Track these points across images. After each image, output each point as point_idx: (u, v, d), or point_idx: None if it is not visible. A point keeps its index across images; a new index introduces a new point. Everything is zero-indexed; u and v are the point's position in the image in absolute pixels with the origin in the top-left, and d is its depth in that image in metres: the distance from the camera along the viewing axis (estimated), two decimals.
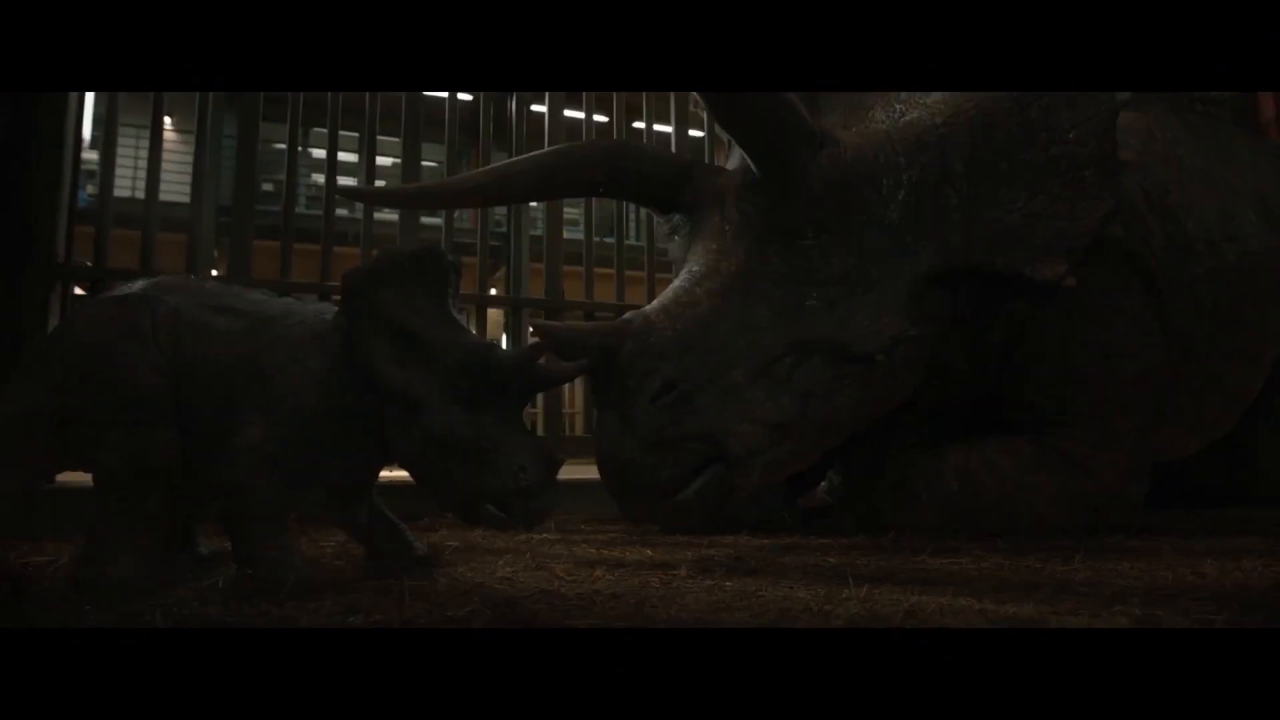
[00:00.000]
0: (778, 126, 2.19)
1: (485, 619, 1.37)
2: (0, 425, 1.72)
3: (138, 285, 1.85)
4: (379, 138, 3.63)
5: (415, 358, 1.68)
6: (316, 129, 10.15)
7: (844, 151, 2.27)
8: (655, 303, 2.23)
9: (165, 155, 3.26)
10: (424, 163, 3.70)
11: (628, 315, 2.19)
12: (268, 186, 11.19)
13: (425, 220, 3.76)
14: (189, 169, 3.30)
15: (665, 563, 2.05)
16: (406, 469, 1.75)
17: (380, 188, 3.64)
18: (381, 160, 4.54)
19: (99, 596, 1.53)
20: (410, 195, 2.85)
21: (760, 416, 2.08)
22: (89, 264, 3.08)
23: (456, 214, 3.76)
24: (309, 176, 13.52)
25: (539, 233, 4.01)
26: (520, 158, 2.43)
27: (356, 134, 3.65)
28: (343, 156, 3.66)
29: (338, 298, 1.86)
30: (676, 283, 2.27)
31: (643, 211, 3.76)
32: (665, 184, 2.42)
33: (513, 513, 1.64)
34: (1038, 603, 1.54)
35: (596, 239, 4.12)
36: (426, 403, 1.64)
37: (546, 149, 2.51)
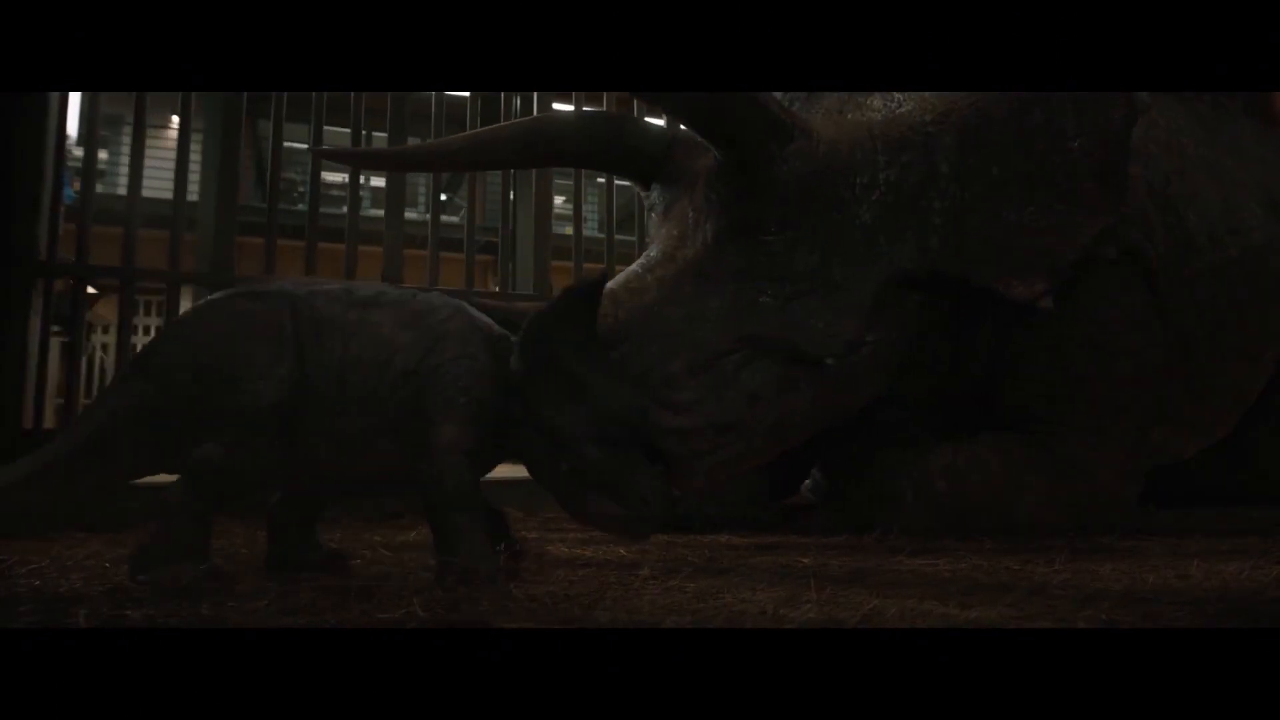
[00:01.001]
0: (737, 120, 2.07)
1: (419, 620, 1.32)
2: (108, 419, 1.70)
3: (273, 285, 1.81)
4: (365, 133, 3.60)
5: (572, 398, 1.75)
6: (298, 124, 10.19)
7: (816, 146, 2.17)
8: (609, 289, 2.13)
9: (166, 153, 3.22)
10: None
11: None
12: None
13: (410, 216, 3.72)
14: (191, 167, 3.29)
15: (634, 563, 2.00)
16: (537, 480, 1.85)
17: (362, 149, 3.57)
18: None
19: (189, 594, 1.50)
20: (391, 157, 2.78)
21: (702, 414, 1.99)
22: (72, 260, 3.06)
23: (447, 211, 3.71)
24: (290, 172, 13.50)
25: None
26: (503, 124, 2.36)
27: (348, 130, 3.62)
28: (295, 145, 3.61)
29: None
30: (632, 267, 2.19)
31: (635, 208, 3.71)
32: (648, 157, 2.32)
33: (636, 535, 1.81)
34: (1006, 606, 1.48)
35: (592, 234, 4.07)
36: (574, 442, 1.73)
37: (530, 117, 2.43)
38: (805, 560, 2.02)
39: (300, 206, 9.86)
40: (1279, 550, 2.07)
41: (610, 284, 2.13)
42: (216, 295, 1.79)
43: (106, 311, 9.69)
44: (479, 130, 2.38)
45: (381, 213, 3.76)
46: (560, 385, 1.75)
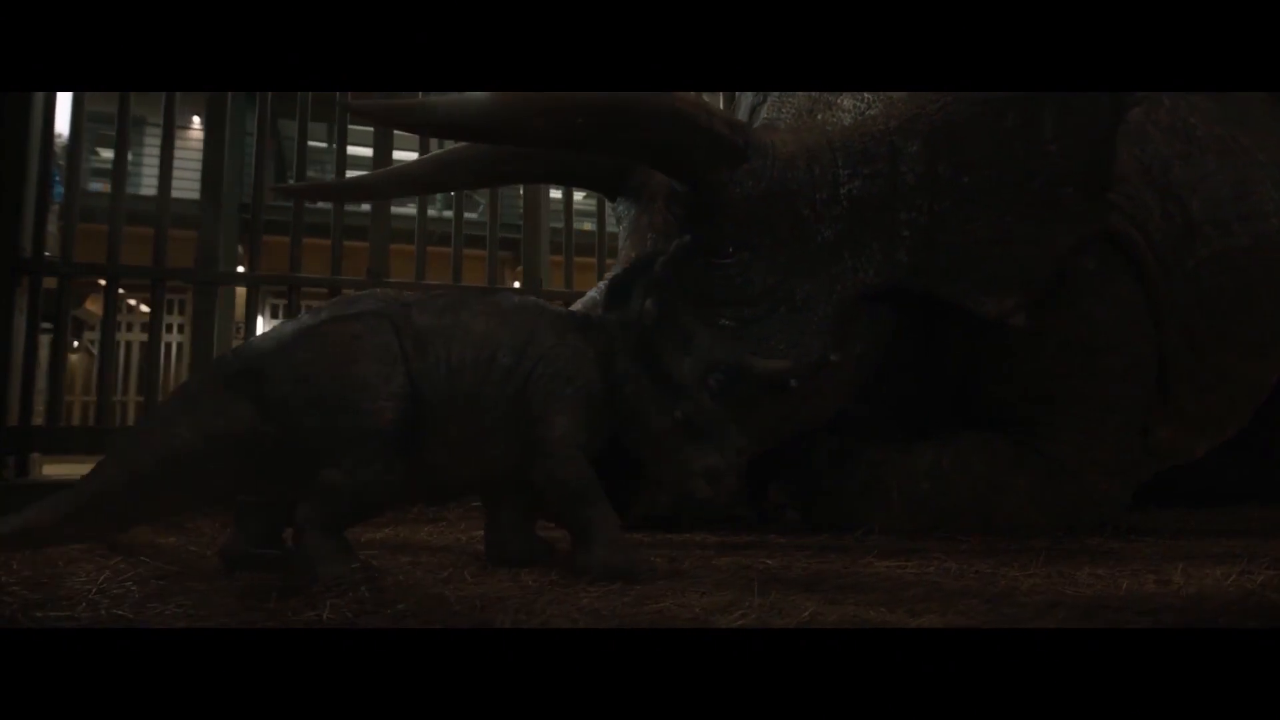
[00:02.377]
0: (683, 146, 1.98)
1: (329, 622, 1.27)
2: (201, 443, 1.68)
3: (361, 303, 1.80)
4: (351, 128, 3.57)
5: (684, 348, 1.83)
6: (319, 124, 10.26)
7: (770, 165, 2.08)
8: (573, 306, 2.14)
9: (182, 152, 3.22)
10: (395, 153, 3.60)
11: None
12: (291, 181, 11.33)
13: (430, 213, 3.67)
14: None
15: None
16: (642, 446, 1.87)
17: (310, 182, 3.55)
18: (355, 150, 4.45)
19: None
20: (338, 188, 2.73)
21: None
22: (56, 258, 3.07)
23: (468, 209, 3.66)
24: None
25: (559, 225, 3.89)
26: (463, 144, 2.30)
27: (369, 129, 3.59)
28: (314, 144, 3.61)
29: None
30: (590, 291, 2.17)
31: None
32: (609, 171, 2.32)
33: (721, 491, 1.79)
34: (957, 614, 1.39)
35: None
36: (688, 389, 1.79)
37: None
38: (770, 562, 1.94)
39: (322, 204, 9.92)
40: (1273, 553, 1.94)
41: (576, 304, 2.14)
42: (311, 320, 1.77)
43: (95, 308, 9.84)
44: (437, 153, 2.36)
45: (410, 210, 3.72)
46: (674, 335, 1.83)
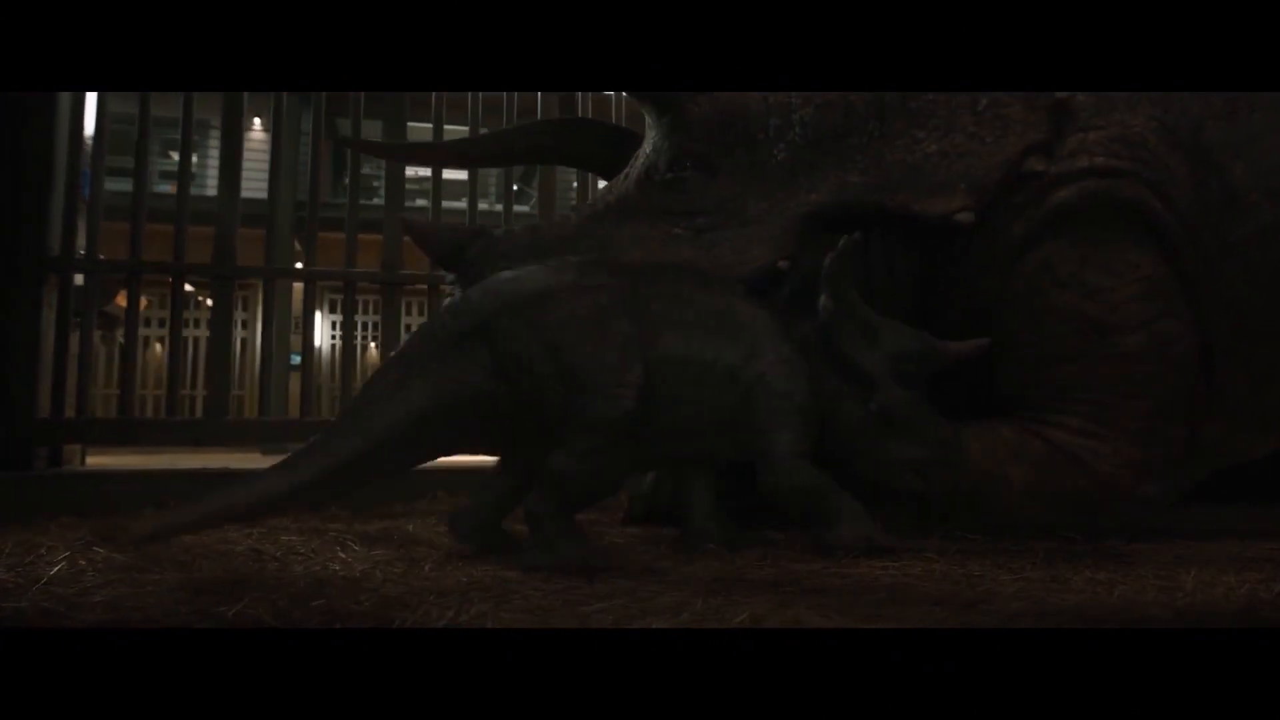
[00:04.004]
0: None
1: (259, 617, 1.24)
2: (430, 403, 1.74)
3: (600, 274, 1.88)
4: (422, 124, 3.59)
5: (869, 342, 1.89)
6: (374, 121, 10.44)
7: (730, 94, 2.23)
8: (534, 223, 2.35)
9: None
10: None
11: (502, 228, 2.38)
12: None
13: (482, 206, 3.73)
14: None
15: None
16: (842, 443, 1.93)
17: (376, 141, 3.65)
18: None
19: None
20: (399, 149, 3.18)
21: None
22: (81, 255, 3.16)
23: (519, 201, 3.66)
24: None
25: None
26: (499, 130, 2.69)
27: (429, 124, 3.62)
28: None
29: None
30: (566, 211, 2.42)
31: None
32: (612, 153, 2.49)
33: (931, 481, 1.93)
34: (917, 618, 1.29)
35: None
36: (879, 381, 1.86)
37: (515, 125, 2.74)
38: (736, 562, 1.85)
39: (376, 200, 10.12)
40: None
41: (537, 222, 2.37)
42: (545, 280, 1.83)
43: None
44: (470, 136, 2.80)
45: (462, 204, 3.73)
46: (859, 330, 1.89)
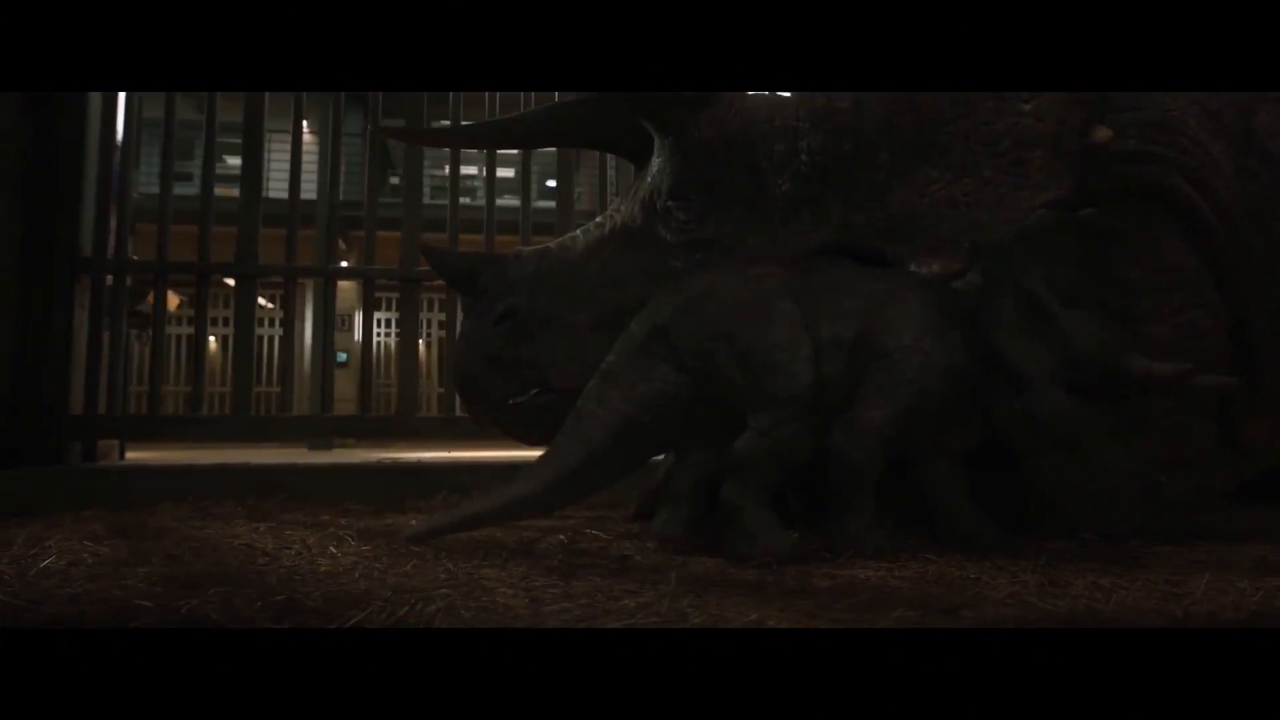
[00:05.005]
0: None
1: (206, 614, 1.25)
2: (635, 409, 1.84)
3: (766, 264, 1.94)
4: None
5: (1038, 333, 1.68)
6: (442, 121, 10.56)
7: (730, 112, 2.09)
8: (545, 245, 2.32)
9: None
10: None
11: (515, 250, 2.33)
12: (394, 180, 11.79)
13: (515, 203, 3.69)
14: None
15: (545, 552, 1.85)
16: (1005, 437, 1.79)
17: (423, 130, 3.69)
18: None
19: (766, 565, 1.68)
20: (442, 134, 3.11)
21: (596, 362, 2.01)
22: (111, 256, 3.25)
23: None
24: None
25: (582, 207, 3.84)
26: (527, 111, 2.58)
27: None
28: None
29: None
30: (576, 230, 2.30)
31: None
32: (639, 138, 2.36)
33: (1088, 510, 1.68)
34: (891, 622, 1.22)
35: None
36: (1033, 380, 1.65)
37: (544, 106, 2.59)
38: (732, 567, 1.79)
39: (435, 200, 10.26)
40: None
41: (547, 245, 2.31)
42: (720, 275, 1.90)
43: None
44: (501, 118, 2.72)
45: (516, 201, 3.76)
46: (1023, 317, 1.68)
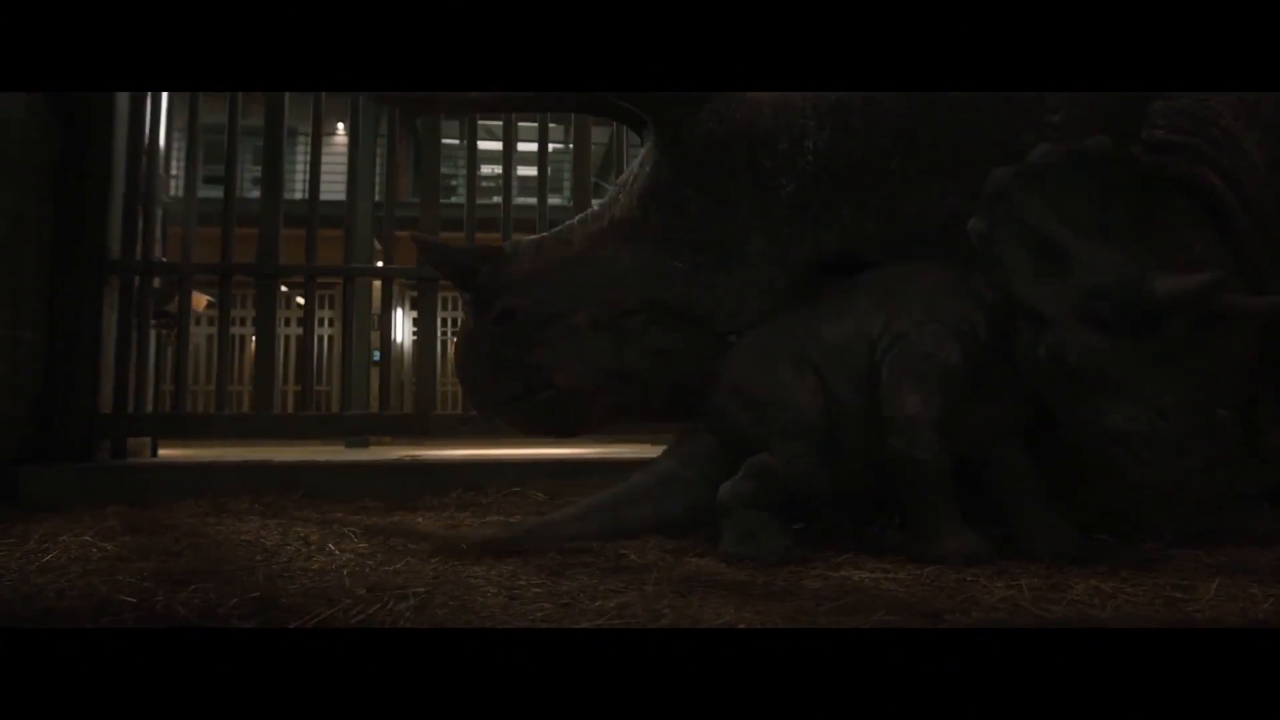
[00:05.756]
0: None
1: (176, 611, 1.25)
2: (683, 462, 2.00)
3: (774, 324, 1.94)
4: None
5: (1054, 271, 1.54)
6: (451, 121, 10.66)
7: (735, 106, 1.99)
8: (540, 235, 2.26)
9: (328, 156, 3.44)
10: (520, 145, 3.65)
11: (510, 241, 2.27)
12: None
13: (554, 201, 3.66)
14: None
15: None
16: (1038, 390, 1.64)
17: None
18: (484, 145, 4.53)
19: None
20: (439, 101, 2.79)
21: (597, 361, 2.04)
22: (138, 259, 3.32)
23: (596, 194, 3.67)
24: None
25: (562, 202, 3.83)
26: None
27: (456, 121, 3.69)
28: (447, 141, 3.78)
29: None
30: (574, 219, 2.23)
31: None
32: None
33: (1143, 461, 1.44)
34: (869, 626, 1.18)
35: None
36: (1054, 320, 1.52)
37: None
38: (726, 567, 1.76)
39: (455, 199, 10.36)
40: None
41: (548, 233, 2.25)
42: (735, 342, 1.97)
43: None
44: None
45: (533, 200, 3.78)
46: (1036, 257, 1.56)
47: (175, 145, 3.85)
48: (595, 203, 2.47)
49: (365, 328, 7.94)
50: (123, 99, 3.28)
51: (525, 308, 2.07)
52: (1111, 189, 1.63)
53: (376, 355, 10.19)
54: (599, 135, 5.51)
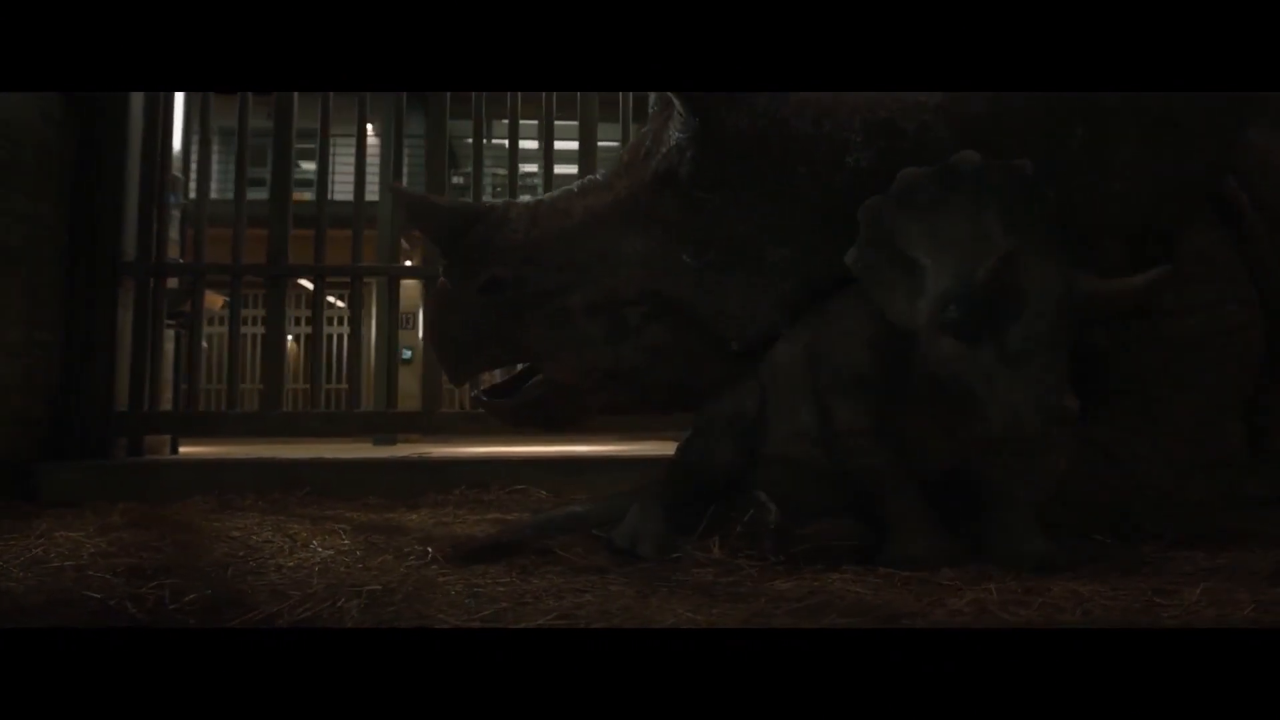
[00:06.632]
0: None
1: (125, 609, 1.27)
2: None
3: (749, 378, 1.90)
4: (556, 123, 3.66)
5: (919, 288, 1.52)
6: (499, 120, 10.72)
7: (774, 105, 1.83)
8: (535, 199, 2.07)
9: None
10: (558, 143, 3.65)
11: (504, 202, 2.08)
12: (458, 180, 12.00)
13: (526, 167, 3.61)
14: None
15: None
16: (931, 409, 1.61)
17: None
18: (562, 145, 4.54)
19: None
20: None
21: (592, 357, 1.91)
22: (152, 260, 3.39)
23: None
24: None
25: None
26: None
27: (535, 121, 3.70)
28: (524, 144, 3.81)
29: None
30: (569, 185, 2.07)
31: None
32: None
33: (1012, 471, 1.43)
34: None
35: None
36: (919, 334, 1.49)
37: None
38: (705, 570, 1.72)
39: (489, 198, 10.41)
40: None
41: (544, 196, 2.08)
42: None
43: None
44: None
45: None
46: (908, 274, 1.54)
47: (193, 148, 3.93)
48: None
49: (391, 326, 8.03)
50: (136, 104, 3.35)
51: (514, 282, 1.92)
52: (1003, 202, 1.56)
53: (406, 354, 10.19)
54: (609, 133, 5.49)
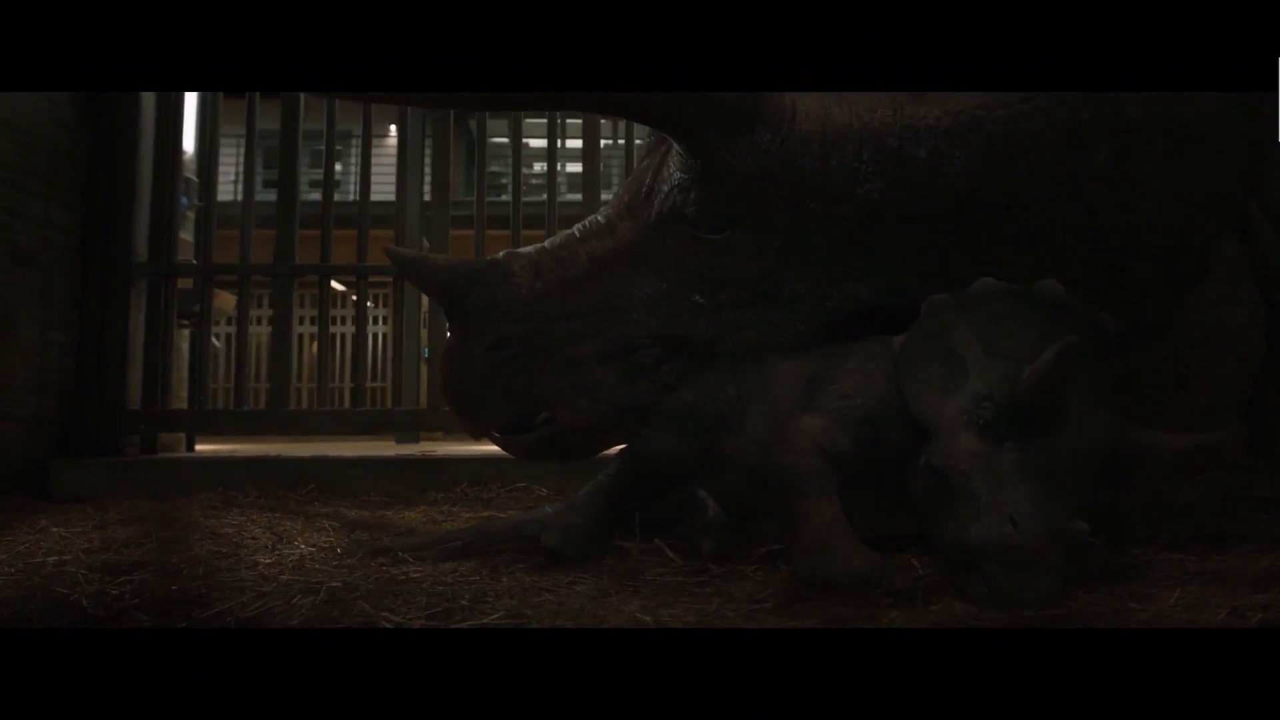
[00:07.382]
0: (673, 106, 1.74)
1: (83, 605, 1.28)
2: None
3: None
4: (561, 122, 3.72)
5: (956, 386, 1.48)
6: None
7: (780, 142, 1.75)
8: (536, 248, 2.00)
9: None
10: (569, 142, 3.67)
11: (501, 255, 2.00)
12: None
13: (606, 197, 3.62)
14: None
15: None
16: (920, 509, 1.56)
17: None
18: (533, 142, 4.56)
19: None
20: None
21: (606, 398, 1.86)
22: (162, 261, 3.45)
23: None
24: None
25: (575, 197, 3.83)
26: None
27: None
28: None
29: None
30: (570, 230, 2.00)
31: None
32: None
33: (992, 582, 1.29)
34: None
35: None
36: (936, 429, 1.46)
37: None
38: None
39: (504, 197, 10.48)
40: None
41: (544, 244, 2.00)
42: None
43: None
44: None
45: (579, 197, 3.80)
46: (948, 373, 1.50)
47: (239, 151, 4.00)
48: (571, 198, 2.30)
49: (413, 325, 8.10)
50: (149, 106, 3.42)
51: (522, 337, 1.88)
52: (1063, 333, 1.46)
53: (427, 353, 10.26)
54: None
